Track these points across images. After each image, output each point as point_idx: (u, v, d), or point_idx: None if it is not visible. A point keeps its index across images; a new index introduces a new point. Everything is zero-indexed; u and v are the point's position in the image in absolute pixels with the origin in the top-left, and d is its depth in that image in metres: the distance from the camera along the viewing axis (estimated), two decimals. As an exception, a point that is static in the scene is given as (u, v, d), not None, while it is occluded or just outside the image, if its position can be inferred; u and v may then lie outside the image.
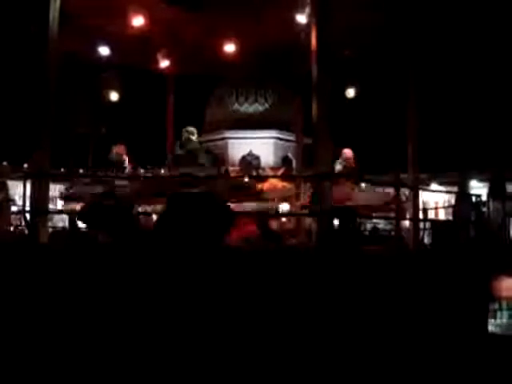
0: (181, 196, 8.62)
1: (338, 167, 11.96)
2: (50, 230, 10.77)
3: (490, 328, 6.98)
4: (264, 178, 13.16)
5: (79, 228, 10.22)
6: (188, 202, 8.12)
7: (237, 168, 15.28)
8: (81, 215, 9.18)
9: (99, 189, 10.93)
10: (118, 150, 12.67)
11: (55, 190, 13.08)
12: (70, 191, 12.09)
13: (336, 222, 9.92)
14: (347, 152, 12.27)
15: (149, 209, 11.13)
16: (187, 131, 12.35)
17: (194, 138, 12.34)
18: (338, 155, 12.19)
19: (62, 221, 13.49)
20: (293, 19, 11.66)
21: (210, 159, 12.55)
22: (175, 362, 6.47)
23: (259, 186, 12.21)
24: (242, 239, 9.58)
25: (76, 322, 6.69)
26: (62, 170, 20.18)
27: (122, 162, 12.45)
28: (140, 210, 10.84)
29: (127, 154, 12.75)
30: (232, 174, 13.68)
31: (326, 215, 8.89)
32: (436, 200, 19.66)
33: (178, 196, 8.61)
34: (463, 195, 12.43)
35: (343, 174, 11.81)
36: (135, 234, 8.41)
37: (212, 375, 6.37)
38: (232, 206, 9.51)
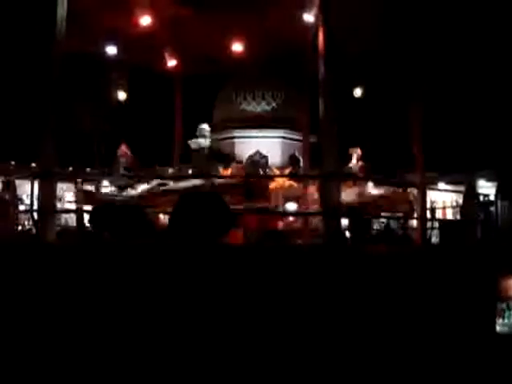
0: (191, 196, 8.67)
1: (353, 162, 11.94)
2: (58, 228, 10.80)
3: (498, 328, 6.97)
4: (271, 178, 13.18)
5: (86, 227, 10.24)
6: (197, 201, 8.16)
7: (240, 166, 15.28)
8: (91, 217, 9.24)
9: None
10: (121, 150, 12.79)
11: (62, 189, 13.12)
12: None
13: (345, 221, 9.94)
14: (357, 150, 12.26)
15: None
16: (199, 129, 12.46)
17: (204, 136, 12.43)
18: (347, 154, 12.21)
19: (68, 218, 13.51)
20: (300, 19, 11.64)
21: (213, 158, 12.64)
22: (182, 357, 6.49)
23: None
24: (244, 235, 9.63)
25: (83, 319, 6.71)
26: (70, 168, 20.25)
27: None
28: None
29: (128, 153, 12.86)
30: (236, 172, 13.72)
31: (333, 215, 8.89)
32: (444, 199, 19.62)
33: (189, 195, 8.67)
34: (471, 195, 12.38)
35: (352, 173, 11.82)
36: (144, 234, 8.44)
37: (223, 368, 6.39)
38: None
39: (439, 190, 19.04)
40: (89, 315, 6.73)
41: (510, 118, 25.59)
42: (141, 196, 11.70)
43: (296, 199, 12.58)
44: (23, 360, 6.52)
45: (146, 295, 6.77)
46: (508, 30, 20.49)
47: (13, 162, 24.92)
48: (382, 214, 12.04)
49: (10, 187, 10.53)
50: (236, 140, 18.35)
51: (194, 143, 12.29)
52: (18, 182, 11.22)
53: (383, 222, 12.46)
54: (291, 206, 12.59)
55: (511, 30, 20.42)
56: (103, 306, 6.77)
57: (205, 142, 12.30)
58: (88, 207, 10.96)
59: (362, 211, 10.74)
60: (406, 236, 11.34)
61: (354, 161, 11.76)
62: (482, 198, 12.38)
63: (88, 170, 22.13)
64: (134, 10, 11.87)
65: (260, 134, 18.17)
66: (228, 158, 15.39)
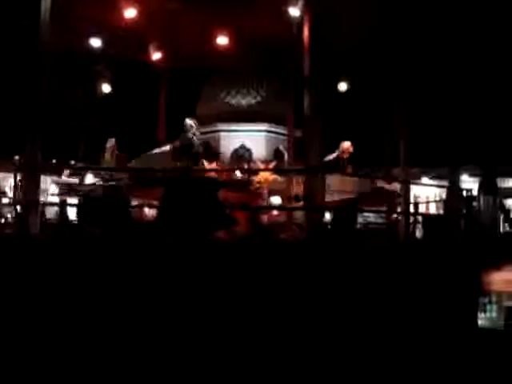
0: (180, 183, 8.65)
1: (330, 157, 11.89)
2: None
3: (480, 322, 7.02)
4: (255, 172, 13.19)
5: (70, 220, 10.20)
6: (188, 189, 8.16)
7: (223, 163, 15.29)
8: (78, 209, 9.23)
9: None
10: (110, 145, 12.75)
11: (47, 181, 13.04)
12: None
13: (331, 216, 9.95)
14: (345, 145, 12.21)
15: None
16: (184, 124, 12.37)
17: (190, 130, 12.34)
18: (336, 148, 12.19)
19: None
20: (286, 12, 11.63)
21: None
22: (170, 356, 6.48)
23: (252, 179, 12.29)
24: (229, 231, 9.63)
25: (68, 315, 6.68)
26: (54, 161, 20.10)
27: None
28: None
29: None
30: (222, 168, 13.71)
31: (318, 210, 8.93)
32: (427, 194, 19.75)
33: (177, 183, 8.64)
34: (454, 189, 12.46)
35: (332, 164, 11.80)
36: (128, 227, 8.41)
37: (208, 368, 6.39)
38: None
39: (423, 184, 19.18)
40: (72, 310, 6.71)
41: (494, 114, 25.75)
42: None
43: (280, 193, 12.61)
44: (8, 356, 6.49)
45: (132, 289, 6.76)
46: (494, 26, 20.62)
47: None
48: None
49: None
50: (221, 134, 18.36)
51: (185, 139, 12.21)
52: (0, 174, 11.17)
53: (368, 216, 12.50)
54: (276, 200, 12.62)
55: (497, 26, 20.54)
56: (87, 301, 6.75)
57: (192, 137, 12.21)
58: (72, 200, 10.93)
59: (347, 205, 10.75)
60: (390, 230, 11.38)
61: (332, 155, 11.74)
62: (465, 192, 12.44)
63: (72, 162, 21.98)
64: (119, 2, 11.81)
65: (245, 128, 18.20)
66: (212, 152, 15.36)
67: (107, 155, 12.51)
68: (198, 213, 7.74)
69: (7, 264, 7.04)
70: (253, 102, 18.76)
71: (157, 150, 12.92)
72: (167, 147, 12.58)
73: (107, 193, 10.54)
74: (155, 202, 10.12)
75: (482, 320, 7.05)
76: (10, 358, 6.40)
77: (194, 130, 12.16)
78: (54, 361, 6.41)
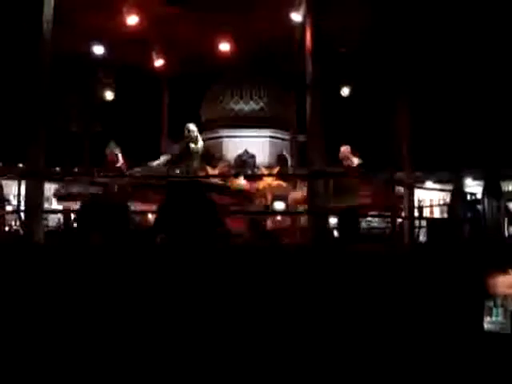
0: (179, 186, 8.67)
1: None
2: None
3: (486, 326, 6.99)
4: (259, 177, 13.19)
5: (74, 227, 10.21)
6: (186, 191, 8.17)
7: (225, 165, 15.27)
8: (78, 215, 9.22)
9: (94, 189, 10.95)
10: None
11: (50, 189, 13.04)
12: (62, 191, 12.09)
13: (335, 220, 9.94)
14: (342, 149, 12.23)
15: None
16: (186, 129, 12.34)
17: (191, 135, 12.31)
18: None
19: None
20: (288, 17, 11.64)
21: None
22: (174, 359, 6.47)
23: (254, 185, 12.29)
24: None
25: (71, 321, 6.68)
26: (58, 169, 20.15)
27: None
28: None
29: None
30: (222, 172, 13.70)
31: (321, 215, 8.91)
32: (431, 198, 19.72)
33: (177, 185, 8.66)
34: (458, 193, 12.43)
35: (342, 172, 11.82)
36: (130, 233, 8.41)
37: (209, 372, 6.38)
38: None
39: (427, 188, 19.15)
40: (75, 317, 6.71)
41: (497, 117, 25.74)
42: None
43: (284, 198, 12.60)
44: (9, 358, 6.49)
45: (134, 295, 6.75)
46: (496, 29, 20.62)
47: (-1, 163, 24.79)
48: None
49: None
50: (224, 139, 18.37)
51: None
52: (4, 182, 11.15)
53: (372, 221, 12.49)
54: (279, 205, 12.61)
55: (499, 29, 20.54)
56: (90, 307, 6.75)
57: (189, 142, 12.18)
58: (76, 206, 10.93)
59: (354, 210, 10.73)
60: (394, 235, 11.36)
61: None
62: (469, 196, 12.42)
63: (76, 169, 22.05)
64: (121, 9, 11.82)
65: (248, 134, 18.20)
66: (215, 158, 15.36)
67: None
68: (193, 216, 7.76)
69: (11, 270, 7.05)
70: (256, 107, 18.78)
71: (154, 162, 12.93)
72: (164, 157, 12.58)
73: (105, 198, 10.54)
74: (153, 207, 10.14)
75: (487, 324, 7.02)
76: (11, 360, 6.41)
77: (194, 134, 12.14)
78: (55, 363, 6.41)
